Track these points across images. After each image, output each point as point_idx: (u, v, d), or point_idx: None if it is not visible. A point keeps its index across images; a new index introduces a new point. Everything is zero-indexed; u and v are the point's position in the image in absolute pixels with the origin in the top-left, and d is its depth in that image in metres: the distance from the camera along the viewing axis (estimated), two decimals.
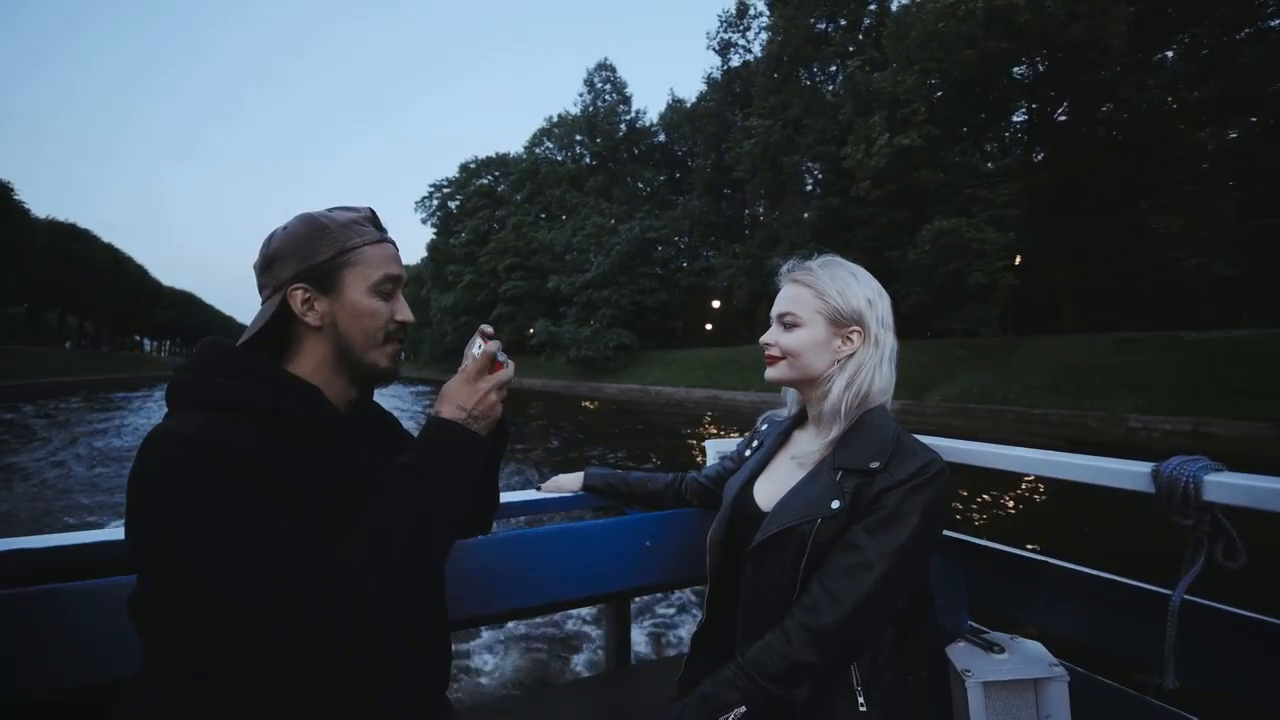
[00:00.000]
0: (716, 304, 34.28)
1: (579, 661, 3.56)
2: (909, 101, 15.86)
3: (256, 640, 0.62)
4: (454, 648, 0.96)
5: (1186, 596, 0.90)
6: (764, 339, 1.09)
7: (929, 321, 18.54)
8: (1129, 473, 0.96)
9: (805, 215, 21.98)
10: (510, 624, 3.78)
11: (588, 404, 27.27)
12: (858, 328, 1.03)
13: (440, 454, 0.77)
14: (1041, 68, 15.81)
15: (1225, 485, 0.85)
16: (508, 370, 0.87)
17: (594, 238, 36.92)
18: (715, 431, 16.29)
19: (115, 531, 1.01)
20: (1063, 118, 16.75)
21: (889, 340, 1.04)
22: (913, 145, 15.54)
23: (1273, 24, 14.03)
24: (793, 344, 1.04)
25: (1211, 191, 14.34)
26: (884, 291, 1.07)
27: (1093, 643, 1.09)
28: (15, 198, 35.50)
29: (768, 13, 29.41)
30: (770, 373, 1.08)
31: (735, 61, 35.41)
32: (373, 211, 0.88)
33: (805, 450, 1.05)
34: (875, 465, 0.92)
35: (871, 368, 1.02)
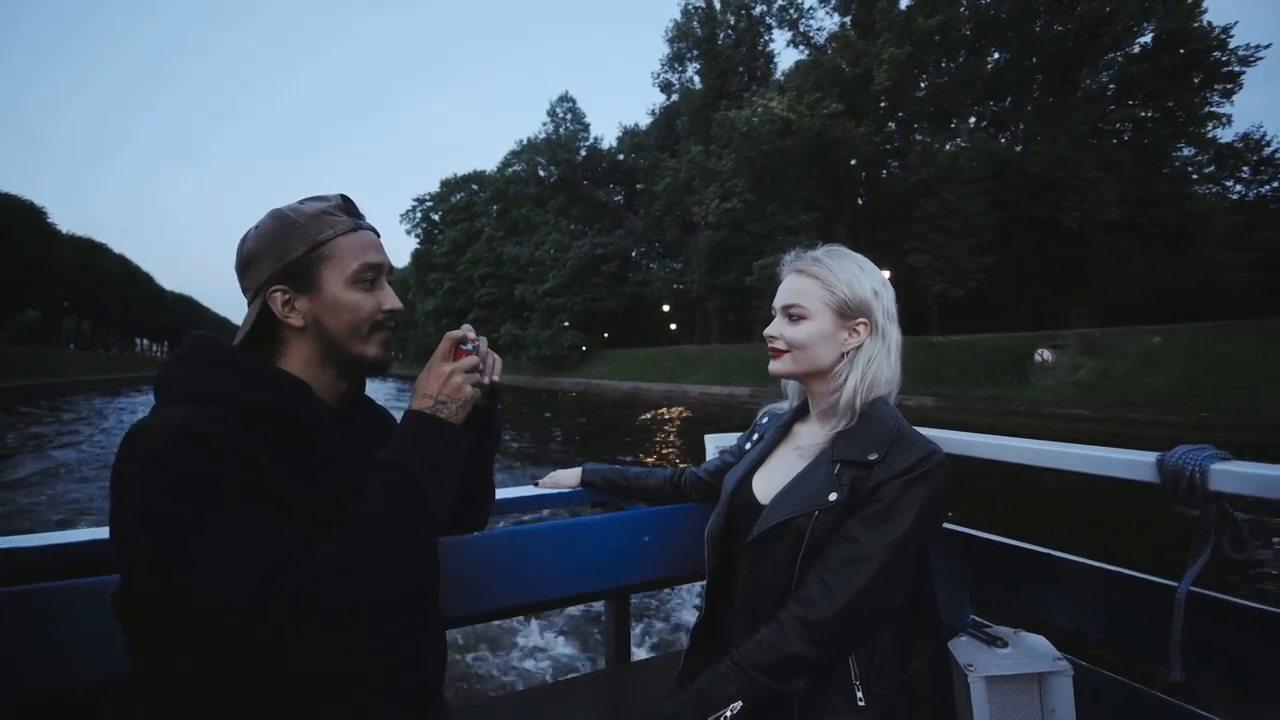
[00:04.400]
0: (666, 308, 40.30)
1: (579, 658, 3.53)
2: (730, 178, 22.03)
3: (239, 639, 0.61)
4: (452, 645, 0.98)
5: (1193, 588, 0.88)
6: (768, 331, 1.05)
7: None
8: (1133, 462, 0.95)
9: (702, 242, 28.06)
10: (509, 621, 3.72)
11: (552, 395, 33.17)
12: (864, 319, 1.00)
13: (413, 445, 0.76)
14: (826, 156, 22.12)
15: (1231, 474, 0.84)
16: (473, 358, 0.84)
17: (553, 253, 42.89)
18: (659, 414, 22.13)
19: (105, 530, 0.93)
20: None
21: (894, 332, 1.02)
22: (735, 208, 21.79)
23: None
24: (799, 337, 1.00)
25: (946, 238, 20.59)
26: (888, 283, 1.04)
27: (1098, 636, 1.07)
28: (48, 220, 41.16)
29: (696, 64, 35.40)
30: (775, 366, 1.04)
31: (675, 98, 41.36)
32: (344, 198, 0.86)
33: (807, 443, 1.03)
34: (873, 457, 0.90)
35: (880, 360, 1.00)
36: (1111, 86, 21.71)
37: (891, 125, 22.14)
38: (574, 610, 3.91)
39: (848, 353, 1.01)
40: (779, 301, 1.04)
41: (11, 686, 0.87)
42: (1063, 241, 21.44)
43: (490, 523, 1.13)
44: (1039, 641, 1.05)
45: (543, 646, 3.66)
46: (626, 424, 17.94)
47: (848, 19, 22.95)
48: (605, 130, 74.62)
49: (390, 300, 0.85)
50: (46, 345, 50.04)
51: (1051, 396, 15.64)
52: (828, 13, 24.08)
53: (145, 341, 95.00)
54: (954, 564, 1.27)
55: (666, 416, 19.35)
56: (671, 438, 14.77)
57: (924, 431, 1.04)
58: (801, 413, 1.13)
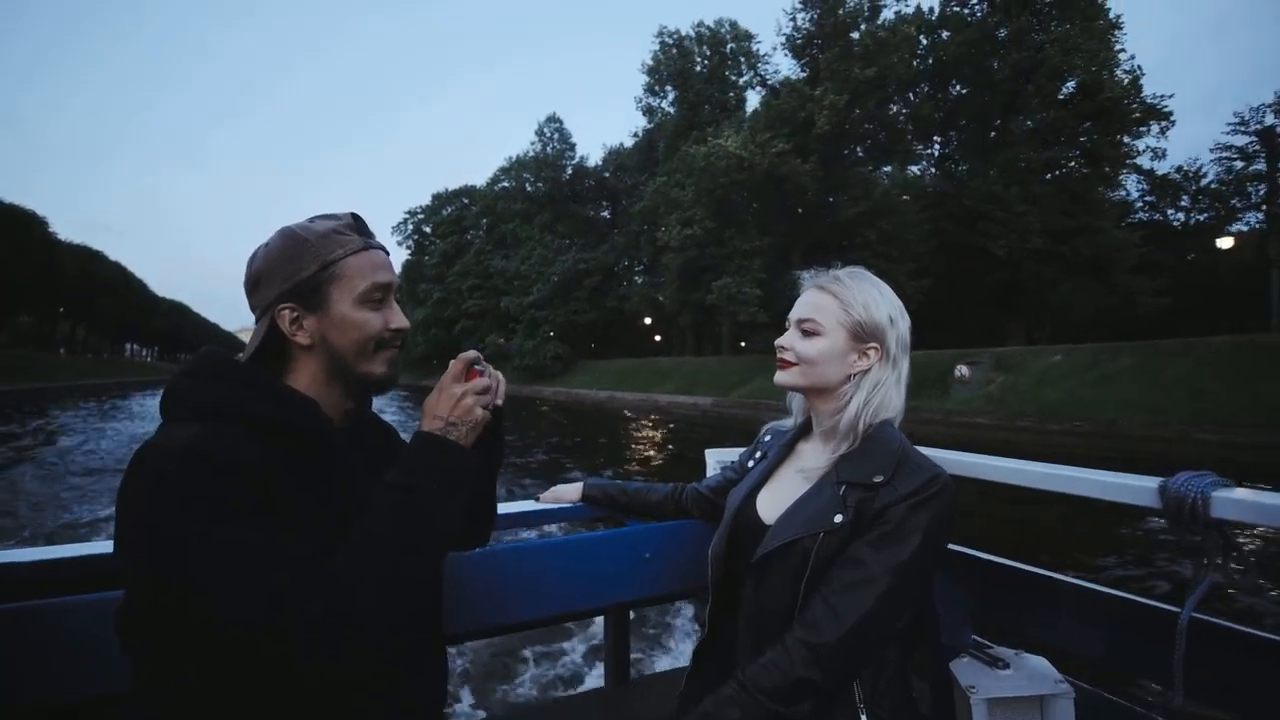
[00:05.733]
0: (649, 320, 42.27)
1: (578, 676, 3.53)
2: (690, 207, 24.33)
3: (248, 656, 0.63)
4: (451, 662, 0.97)
5: (1195, 615, 0.88)
6: (780, 342, 1.06)
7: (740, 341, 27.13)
8: (1136, 488, 0.96)
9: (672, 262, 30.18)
10: (508, 637, 3.68)
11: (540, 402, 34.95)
12: (876, 344, 1.01)
13: (423, 466, 0.77)
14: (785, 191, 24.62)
15: (1233, 501, 0.84)
16: (484, 379, 0.86)
17: (538, 267, 44.85)
18: (636, 420, 23.89)
19: (105, 545, 0.96)
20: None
21: (904, 362, 1.03)
22: (695, 234, 24.08)
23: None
24: (810, 352, 1.01)
25: (887, 264, 22.72)
26: (905, 312, 1.05)
27: (1099, 660, 1.07)
28: (50, 230, 42.77)
29: (674, 93, 37.73)
30: (782, 377, 1.05)
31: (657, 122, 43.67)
32: (355, 217, 0.86)
33: (810, 463, 1.04)
34: (879, 479, 0.91)
35: (888, 387, 1.00)
36: (1039, 127, 24.00)
37: (843, 158, 24.40)
38: (573, 626, 3.90)
39: (855, 375, 1.01)
40: (795, 314, 1.06)
41: (10, 702, 0.87)
42: (996, 267, 23.62)
43: (492, 538, 1.14)
44: (1040, 663, 1.04)
45: (542, 663, 3.66)
46: (598, 438, 19.67)
47: (803, 61, 25.41)
48: (596, 141, 77.43)
49: (397, 319, 0.86)
50: (38, 349, 51.30)
51: (965, 407, 17.61)
52: (785, 54, 26.69)
53: (135, 347, 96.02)
54: (956, 586, 1.27)
55: (638, 430, 21.13)
56: (641, 444, 16.57)
57: (927, 452, 1.02)
58: (804, 431, 1.13)
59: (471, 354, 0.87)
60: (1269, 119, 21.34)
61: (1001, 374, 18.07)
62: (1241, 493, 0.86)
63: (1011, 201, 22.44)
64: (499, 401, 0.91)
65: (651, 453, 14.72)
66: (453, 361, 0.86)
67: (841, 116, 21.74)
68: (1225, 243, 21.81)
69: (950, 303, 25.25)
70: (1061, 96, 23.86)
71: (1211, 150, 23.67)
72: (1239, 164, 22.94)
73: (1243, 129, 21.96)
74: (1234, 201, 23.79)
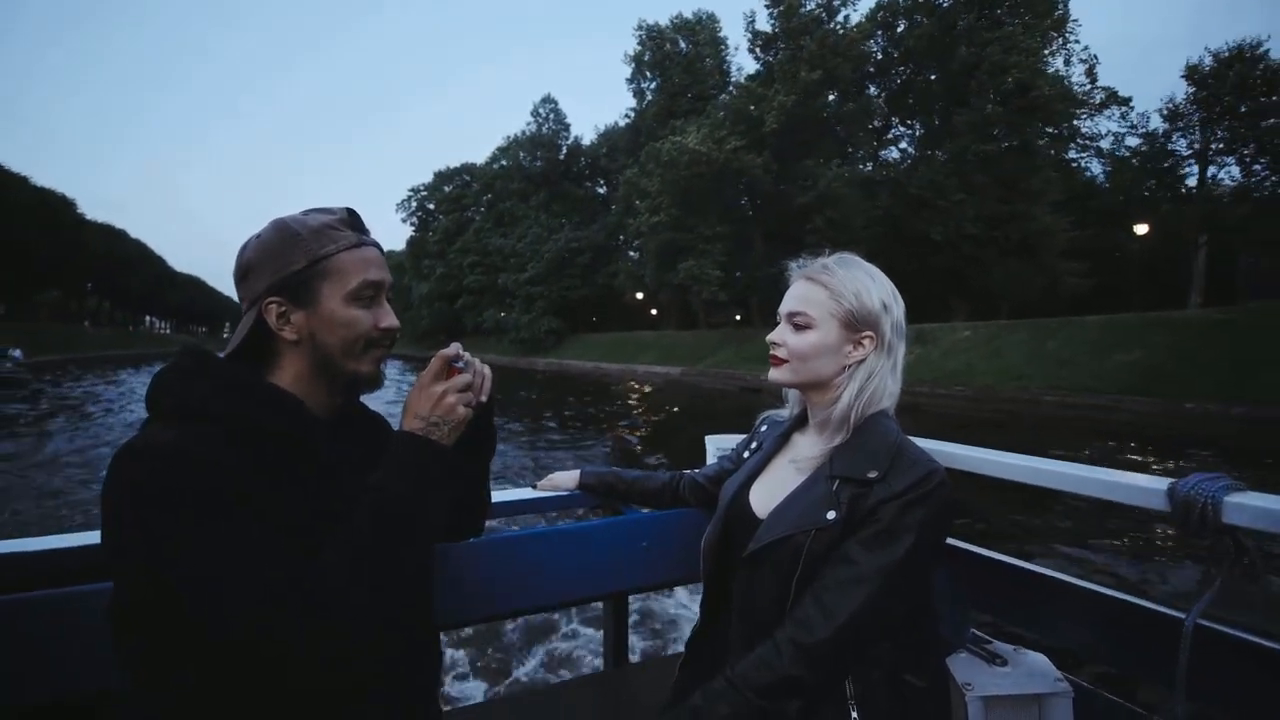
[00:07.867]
0: (640, 295, 44.86)
1: (577, 661, 3.58)
2: (658, 197, 26.97)
3: (246, 654, 0.64)
4: (449, 649, 1.22)
5: (1200, 621, 0.87)
6: (771, 337, 1.04)
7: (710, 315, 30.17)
8: (1144, 489, 0.94)
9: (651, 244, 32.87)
10: (506, 623, 3.79)
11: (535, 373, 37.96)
12: (870, 333, 0.99)
13: (405, 467, 0.77)
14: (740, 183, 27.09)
15: (1246, 507, 0.82)
16: (465, 376, 0.85)
17: (533, 245, 47.43)
18: (636, 394, 26.72)
19: (95, 535, 0.94)
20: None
21: (901, 347, 1.01)
22: (661, 221, 26.79)
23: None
24: (803, 347, 0.99)
25: (834, 249, 25.28)
26: (899, 295, 1.03)
27: (1101, 664, 1.07)
28: (78, 210, 45.85)
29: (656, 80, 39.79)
30: (775, 375, 1.04)
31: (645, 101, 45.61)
32: (350, 212, 0.86)
33: (804, 454, 1.03)
34: (873, 475, 0.90)
35: (883, 375, 0.99)
36: (979, 120, 26.11)
37: (794, 151, 26.71)
38: (572, 612, 3.98)
39: (849, 366, 0.99)
40: (785, 308, 1.04)
41: (15, 693, 0.87)
42: (937, 251, 26.01)
43: (488, 525, 1.16)
44: (1040, 660, 1.02)
45: (540, 649, 3.71)
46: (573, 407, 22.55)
47: (762, 61, 27.60)
48: (592, 127, 78.38)
49: (387, 319, 0.85)
50: (66, 323, 54.92)
51: None
52: (750, 53, 28.87)
53: (154, 319, 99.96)
54: (956, 581, 1.27)
55: (608, 396, 23.98)
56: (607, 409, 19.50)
57: (927, 445, 1.01)
58: (800, 422, 1.12)
59: (451, 351, 0.86)
60: (1154, 122, 23.77)
61: (918, 346, 20.72)
62: (1256, 497, 0.83)
63: (949, 190, 24.70)
64: (483, 399, 0.90)
65: (612, 409, 17.62)
66: (433, 359, 0.84)
67: (790, 115, 24.00)
68: (1141, 228, 24.07)
69: (900, 285, 27.66)
70: (1001, 91, 25.86)
71: (1110, 147, 26.06)
72: (1134, 161, 25.46)
73: (1132, 131, 24.40)
74: (1121, 197, 26.15)
